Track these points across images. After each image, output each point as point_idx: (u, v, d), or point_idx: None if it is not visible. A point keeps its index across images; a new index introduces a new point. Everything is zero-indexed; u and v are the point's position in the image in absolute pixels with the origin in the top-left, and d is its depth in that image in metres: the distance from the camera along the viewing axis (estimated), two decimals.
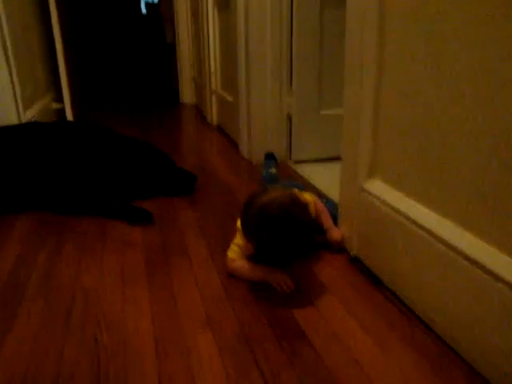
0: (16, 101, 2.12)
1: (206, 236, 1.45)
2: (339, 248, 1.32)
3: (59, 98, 2.89)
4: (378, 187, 1.16)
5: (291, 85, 2.13)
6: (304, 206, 1.15)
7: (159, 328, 1.00)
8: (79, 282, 1.19)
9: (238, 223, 1.22)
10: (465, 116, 0.85)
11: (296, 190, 1.33)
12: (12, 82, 2.09)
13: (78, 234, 1.48)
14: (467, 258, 0.85)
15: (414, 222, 1.00)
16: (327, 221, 1.35)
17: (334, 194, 1.48)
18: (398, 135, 1.07)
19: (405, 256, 1.05)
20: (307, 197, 1.33)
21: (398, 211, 1.06)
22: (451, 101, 0.88)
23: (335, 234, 1.32)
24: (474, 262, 0.83)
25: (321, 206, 1.37)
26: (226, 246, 1.25)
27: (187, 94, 4.10)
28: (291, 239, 1.08)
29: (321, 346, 0.94)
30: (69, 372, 0.88)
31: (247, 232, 1.15)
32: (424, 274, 0.98)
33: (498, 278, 0.78)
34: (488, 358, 0.82)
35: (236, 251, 1.22)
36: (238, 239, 1.23)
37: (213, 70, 3.01)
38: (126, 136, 1.87)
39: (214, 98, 3.11)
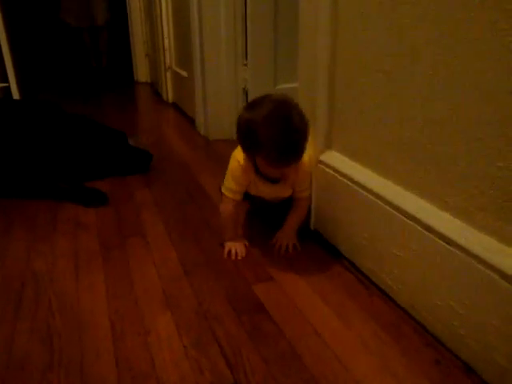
0: None
1: (162, 215, 1.41)
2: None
3: (4, 78, 2.75)
4: (335, 158, 1.15)
5: (246, 59, 2.09)
6: (301, 112, 1.06)
7: (115, 310, 0.97)
8: (30, 266, 1.14)
9: (236, 152, 1.16)
10: (421, 81, 0.84)
11: None
12: None
13: (26, 217, 1.41)
14: (423, 224, 0.86)
15: (371, 192, 1.00)
16: (293, 217, 1.22)
17: None
18: (354, 104, 1.06)
19: (362, 226, 1.05)
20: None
21: (354, 182, 1.05)
22: (408, 67, 0.87)
23: (280, 238, 1.21)
24: (430, 229, 0.84)
25: (305, 204, 1.23)
26: (184, 224, 1.22)
27: (142, 72, 3.98)
28: (286, 131, 1.02)
29: (281, 318, 0.94)
30: (20, 360, 0.84)
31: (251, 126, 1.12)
32: (381, 243, 0.99)
33: (450, 242, 0.79)
34: (444, 322, 0.84)
35: (232, 189, 1.16)
36: (236, 170, 1.15)
37: (167, 46, 2.91)
38: (75, 114, 1.78)
39: (168, 75, 3.02)
